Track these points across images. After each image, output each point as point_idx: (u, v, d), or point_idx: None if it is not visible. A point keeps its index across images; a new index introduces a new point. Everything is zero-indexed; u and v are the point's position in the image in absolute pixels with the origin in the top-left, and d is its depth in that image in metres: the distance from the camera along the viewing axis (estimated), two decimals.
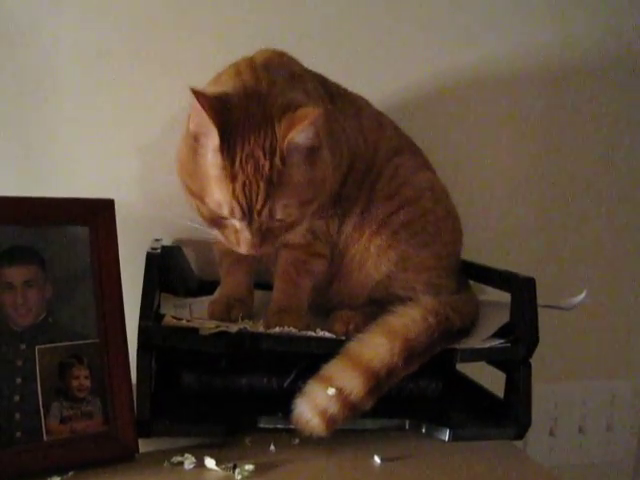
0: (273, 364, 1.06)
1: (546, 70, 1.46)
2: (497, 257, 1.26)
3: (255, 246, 0.94)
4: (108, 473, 0.87)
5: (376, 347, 0.95)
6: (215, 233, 0.97)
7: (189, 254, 1.24)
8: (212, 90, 0.94)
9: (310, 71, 1.09)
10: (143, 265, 0.98)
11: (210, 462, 0.89)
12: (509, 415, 1.04)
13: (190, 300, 1.14)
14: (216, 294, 1.13)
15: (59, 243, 0.92)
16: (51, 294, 0.91)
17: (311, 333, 1.00)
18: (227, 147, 0.88)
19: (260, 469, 0.89)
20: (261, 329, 1.00)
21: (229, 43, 1.24)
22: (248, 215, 0.91)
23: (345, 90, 1.14)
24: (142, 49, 1.25)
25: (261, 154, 0.88)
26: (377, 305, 1.07)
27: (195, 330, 0.95)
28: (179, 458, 0.90)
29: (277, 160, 0.89)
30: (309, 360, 0.99)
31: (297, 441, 0.97)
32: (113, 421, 0.90)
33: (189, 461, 0.90)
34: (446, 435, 1.01)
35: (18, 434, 0.86)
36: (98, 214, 0.94)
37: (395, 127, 1.18)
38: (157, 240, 1.13)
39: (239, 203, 0.90)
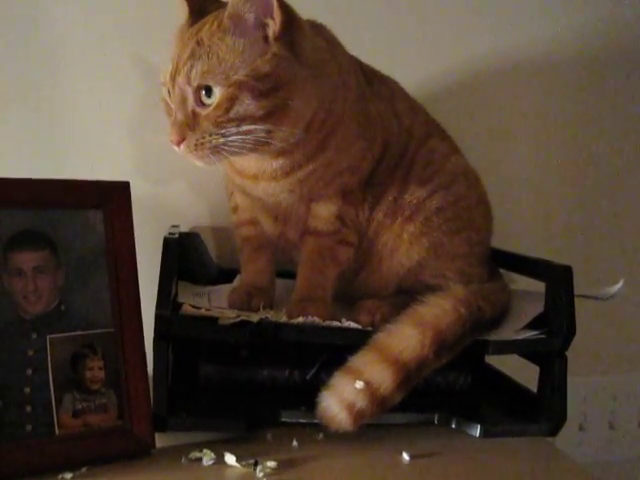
0: (295, 356, 1.02)
1: (579, 57, 1.41)
2: (528, 245, 1.20)
3: (180, 129, 0.87)
4: (123, 469, 0.83)
5: (406, 338, 0.91)
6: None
7: (207, 241, 1.20)
8: None
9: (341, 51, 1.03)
10: (159, 253, 0.93)
11: (230, 458, 0.85)
12: (543, 410, 0.98)
13: (209, 288, 1.10)
14: (236, 282, 1.08)
15: (72, 227, 0.88)
16: (63, 281, 0.86)
17: (336, 323, 0.96)
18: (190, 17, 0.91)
19: (283, 466, 0.84)
20: (284, 319, 0.95)
21: None
22: (173, 77, 0.88)
23: (379, 72, 1.10)
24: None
25: (209, 21, 0.88)
26: (405, 295, 1.02)
27: (214, 319, 0.91)
28: (197, 454, 0.86)
29: (215, 25, 0.88)
30: (333, 352, 0.95)
31: (321, 436, 0.93)
32: (128, 415, 0.86)
33: (208, 457, 0.85)
34: (477, 431, 0.96)
35: (29, 427, 0.82)
36: (113, 197, 0.90)
37: (426, 112, 1.13)
38: (174, 226, 1.08)
39: (172, 61, 0.89)
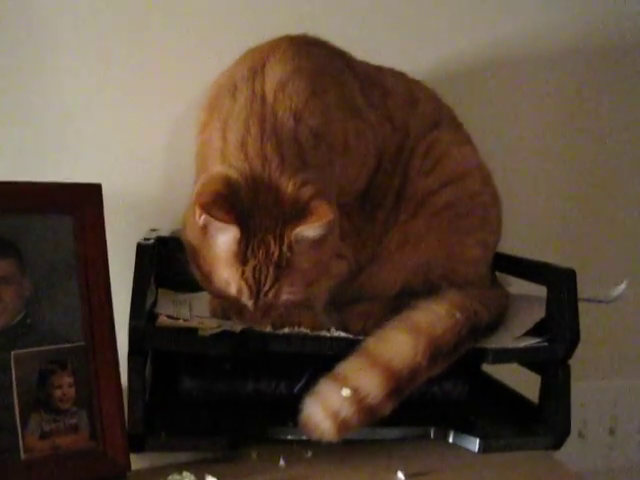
0: (282, 368, 0.96)
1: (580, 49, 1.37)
2: (522, 247, 1.15)
3: (257, 320, 0.88)
4: None
5: (398, 345, 0.86)
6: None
7: None
8: (216, 177, 0.85)
9: (329, 67, 0.98)
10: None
11: None
12: (545, 422, 0.93)
13: (190, 296, 1.03)
14: None
15: (39, 234, 0.81)
16: (29, 292, 0.80)
17: (325, 333, 0.90)
18: (243, 238, 0.84)
19: None
20: (268, 329, 0.89)
21: None
22: (255, 295, 0.86)
23: (373, 69, 1.04)
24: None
25: (272, 241, 0.84)
26: (400, 298, 0.97)
27: (194, 330, 0.85)
28: (177, 476, 0.80)
29: (285, 248, 0.84)
30: (321, 363, 0.89)
31: (310, 454, 0.88)
32: (101, 435, 0.80)
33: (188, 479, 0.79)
34: (476, 445, 0.91)
35: None
36: (83, 201, 0.84)
37: (432, 99, 1.08)
38: (153, 230, 1.02)
39: (248, 284, 0.85)
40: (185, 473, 0.80)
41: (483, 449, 0.90)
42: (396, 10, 1.28)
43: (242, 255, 0.84)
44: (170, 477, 0.80)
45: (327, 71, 0.96)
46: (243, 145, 0.86)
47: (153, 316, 0.87)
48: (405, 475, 0.83)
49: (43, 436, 0.78)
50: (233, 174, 0.84)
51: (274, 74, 0.91)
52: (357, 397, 0.82)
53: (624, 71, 1.40)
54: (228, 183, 0.84)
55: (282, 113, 0.88)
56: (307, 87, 0.91)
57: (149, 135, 1.19)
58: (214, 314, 0.94)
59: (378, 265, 1.00)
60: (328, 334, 0.90)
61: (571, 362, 0.93)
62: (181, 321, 0.86)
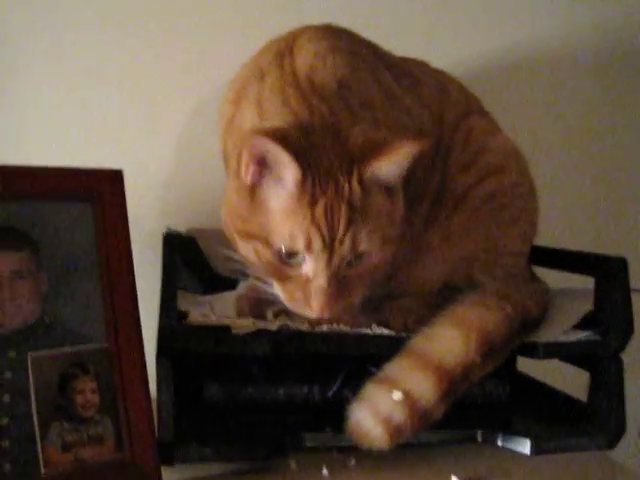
0: (314, 370, 0.89)
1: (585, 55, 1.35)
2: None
3: (330, 299, 0.77)
4: None
5: (448, 341, 0.80)
6: (276, 290, 0.81)
7: (204, 246, 1.06)
8: (266, 124, 0.79)
9: (360, 52, 0.92)
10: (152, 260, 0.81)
11: None
12: (597, 421, 0.88)
13: (209, 297, 0.96)
14: (241, 289, 0.95)
15: (56, 223, 0.74)
16: (47, 287, 0.72)
17: (366, 330, 0.83)
18: (305, 178, 0.76)
19: None
20: (305, 326, 0.82)
21: None
22: (329, 245, 0.76)
23: (399, 59, 0.99)
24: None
25: (341, 178, 0.77)
26: (439, 294, 0.91)
27: (226, 329, 0.77)
28: None
29: (355, 184, 0.77)
30: (355, 364, 0.83)
31: (353, 462, 0.81)
32: (128, 446, 0.72)
33: None
34: (527, 447, 0.84)
35: (7, 467, 0.66)
36: (104, 188, 0.76)
37: (460, 88, 1.02)
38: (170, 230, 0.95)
39: (319, 230, 0.76)
40: None
41: (535, 451, 0.84)
42: (393, 17, 1.25)
43: (310, 195, 0.75)
44: None
45: (360, 54, 0.90)
46: (284, 104, 0.80)
47: (181, 315, 0.80)
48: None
49: (65, 448, 0.69)
50: (280, 124, 0.78)
51: (307, 52, 0.85)
52: (409, 401, 0.76)
53: (629, 78, 1.37)
54: (276, 128, 0.77)
55: (322, 79, 0.82)
56: (347, 63, 0.85)
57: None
58: (241, 314, 0.87)
59: (419, 260, 0.94)
60: (370, 332, 0.84)
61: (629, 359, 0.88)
62: (214, 318, 0.79)
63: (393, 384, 0.77)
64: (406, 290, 0.93)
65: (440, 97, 0.97)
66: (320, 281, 0.77)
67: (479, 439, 0.86)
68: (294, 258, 0.77)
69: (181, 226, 1.01)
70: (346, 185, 0.76)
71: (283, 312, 0.87)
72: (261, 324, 0.80)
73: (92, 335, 0.73)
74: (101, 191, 0.76)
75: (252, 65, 0.89)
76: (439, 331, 0.81)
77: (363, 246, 0.78)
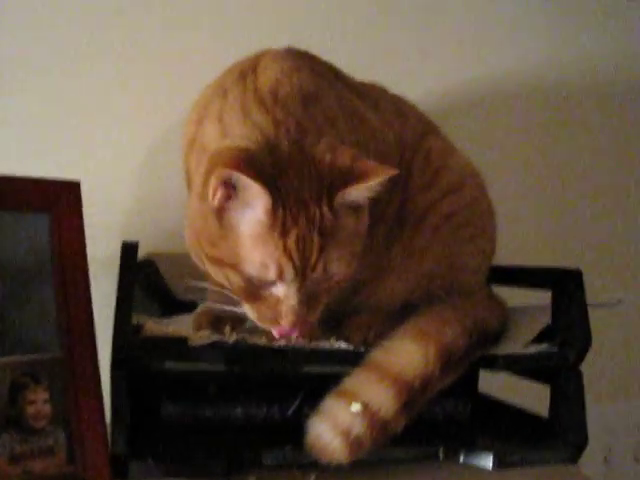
0: (272, 388, 0.88)
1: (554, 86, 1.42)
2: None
3: (301, 317, 0.77)
4: None
5: (407, 354, 0.80)
6: (245, 309, 0.81)
7: (163, 270, 1.05)
8: (231, 145, 0.78)
9: (323, 73, 0.93)
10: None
11: None
12: (559, 434, 0.88)
13: (167, 320, 0.95)
14: (201, 307, 0.94)
15: (11, 232, 0.74)
16: (0, 296, 0.71)
17: (325, 344, 0.83)
18: (276, 206, 0.75)
19: None
20: (263, 340, 0.82)
21: None
22: (300, 273, 0.76)
23: (358, 82, 1.01)
24: None
25: (311, 206, 0.76)
26: (399, 311, 0.91)
27: (183, 340, 0.77)
28: None
29: (326, 209, 0.77)
30: (316, 382, 0.82)
31: (313, 478, 0.78)
32: (80, 459, 0.71)
33: None
34: (490, 462, 0.84)
35: None
36: (60, 198, 0.76)
37: (415, 110, 1.05)
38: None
39: (291, 260, 0.75)
40: None
41: (498, 465, 0.83)
42: (392, 39, 1.30)
43: (281, 225, 0.74)
44: None
45: (324, 75, 0.92)
46: (247, 117, 0.80)
47: (136, 328, 0.79)
48: None
49: (13, 459, 0.68)
50: (243, 143, 0.76)
51: (271, 70, 0.85)
52: (369, 412, 0.75)
53: (626, 106, 1.44)
54: (242, 149, 0.75)
55: (286, 94, 0.82)
56: (312, 81, 0.86)
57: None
58: (199, 329, 0.86)
59: (382, 278, 0.95)
60: (329, 346, 0.83)
61: (592, 383, 0.89)
62: (170, 329, 0.78)
63: (352, 397, 0.76)
64: (369, 307, 0.93)
65: (399, 119, 1.00)
66: (291, 302, 0.76)
67: (441, 456, 0.85)
68: (265, 283, 0.77)
69: (141, 250, 1.01)
70: (317, 211, 0.76)
71: (240, 327, 0.87)
72: (218, 337, 0.79)
73: (46, 345, 0.72)
74: (58, 201, 0.76)
75: (215, 85, 0.91)
76: (398, 344, 0.81)
77: (334, 269, 0.78)
